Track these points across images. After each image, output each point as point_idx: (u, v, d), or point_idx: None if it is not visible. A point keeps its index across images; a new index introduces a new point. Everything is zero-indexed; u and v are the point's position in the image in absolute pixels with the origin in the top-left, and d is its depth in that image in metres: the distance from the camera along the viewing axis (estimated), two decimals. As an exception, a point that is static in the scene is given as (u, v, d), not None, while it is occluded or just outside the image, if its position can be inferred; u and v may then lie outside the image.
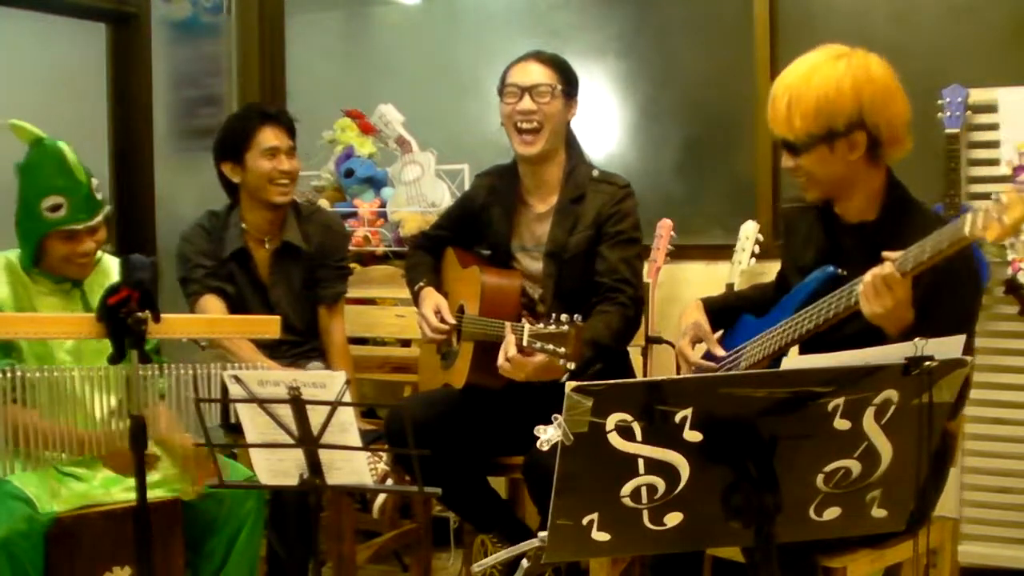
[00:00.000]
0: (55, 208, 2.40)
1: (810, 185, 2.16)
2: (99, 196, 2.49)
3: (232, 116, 3.33)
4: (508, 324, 2.52)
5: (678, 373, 3.29)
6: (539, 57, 2.81)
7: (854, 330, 2.04)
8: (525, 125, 2.75)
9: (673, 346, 3.36)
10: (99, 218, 2.48)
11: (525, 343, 2.37)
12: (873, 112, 2.05)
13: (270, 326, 2.44)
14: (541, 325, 2.35)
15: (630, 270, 2.74)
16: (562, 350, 2.30)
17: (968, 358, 1.59)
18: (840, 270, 2.13)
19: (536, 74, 2.77)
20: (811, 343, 2.17)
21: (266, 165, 3.12)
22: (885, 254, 1.92)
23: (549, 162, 2.81)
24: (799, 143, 2.09)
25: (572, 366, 2.31)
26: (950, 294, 2.00)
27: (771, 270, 2.51)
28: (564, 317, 2.30)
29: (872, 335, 1.98)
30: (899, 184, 2.16)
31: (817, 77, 2.06)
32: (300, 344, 3.26)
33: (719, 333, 2.43)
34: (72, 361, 2.47)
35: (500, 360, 2.49)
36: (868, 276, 1.91)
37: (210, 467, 2.27)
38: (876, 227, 2.12)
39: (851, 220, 2.18)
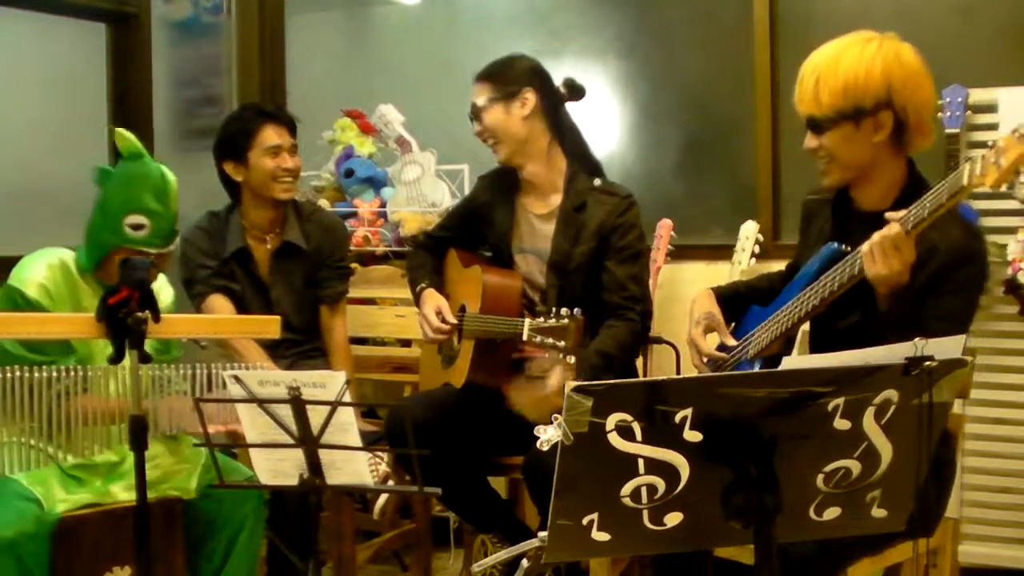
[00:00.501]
0: (137, 227, 2.41)
1: (831, 168, 2.14)
2: (176, 227, 2.51)
3: (232, 116, 3.33)
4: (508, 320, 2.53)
5: (679, 369, 3.30)
6: (477, 78, 2.87)
7: (868, 309, 2.05)
8: (486, 143, 2.85)
9: (673, 346, 3.39)
10: (172, 247, 2.51)
11: (525, 336, 2.39)
12: (902, 94, 2.05)
13: (270, 326, 2.44)
14: (542, 319, 2.37)
15: (637, 286, 2.76)
16: (562, 343, 2.32)
17: (968, 358, 1.59)
18: (844, 246, 2.12)
19: (473, 97, 2.85)
20: (817, 340, 2.18)
21: (269, 163, 3.13)
22: (888, 215, 1.92)
23: (531, 163, 2.83)
24: (825, 120, 2.08)
25: (572, 360, 2.33)
26: (955, 283, 2.01)
27: (771, 270, 2.51)
28: (564, 311, 2.32)
29: (871, 326, 1.99)
30: (921, 177, 2.14)
31: (847, 57, 2.07)
32: (300, 343, 3.26)
33: (731, 326, 2.42)
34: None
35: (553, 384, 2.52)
36: (876, 237, 1.91)
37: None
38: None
39: (866, 208, 2.17)
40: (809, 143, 2.14)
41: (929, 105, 2.09)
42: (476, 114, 2.84)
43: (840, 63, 2.07)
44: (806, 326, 2.21)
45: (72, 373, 2.25)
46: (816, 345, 2.25)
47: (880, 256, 1.90)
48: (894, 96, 2.04)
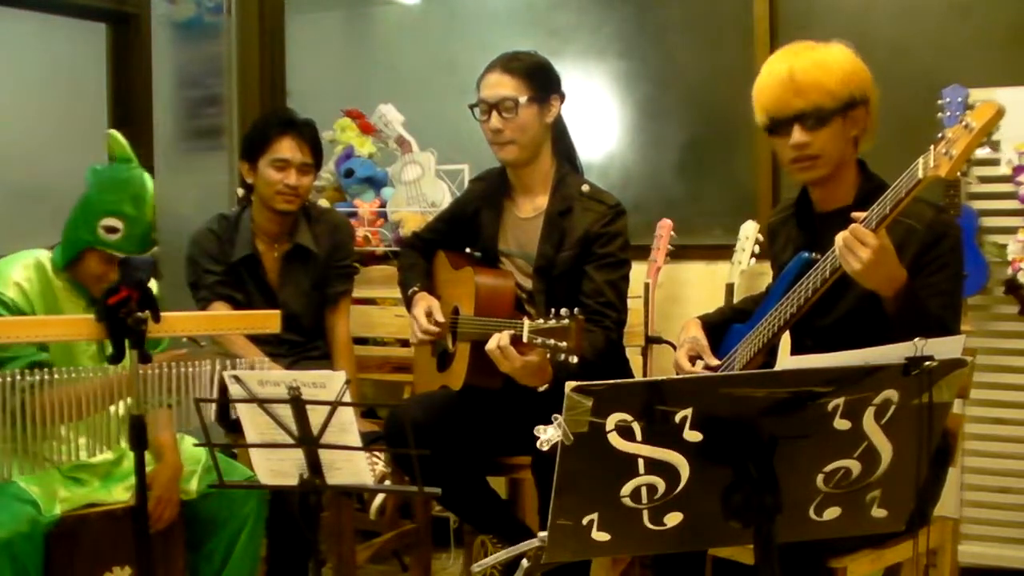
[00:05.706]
0: (111, 230, 2.41)
1: (817, 164, 2.14)
2: (153, 235, 2.49)
3: (261, 116, 3.33)
4: (505, 323, 2.51)
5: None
6: (505, 66, 2.74)
7: (845, 309, 2.09)
8: (498, 140, 2.74)
9: (673, 346, 3.38)
10: (146, 255, 2.46)
11: (525, 339, 2.35)
12: (871, 91, 2.14)
13: (270, 321, 2.44)
14: (541, 320, 2.33)
15: (615, 293, 2.72)
16: (564, 344, 2.27)
17: (968, 358, 1.59)
18: (814, 254, 2.15)
19: (501, 87, 2.72)
20: (798, 340, 2.18)
21: (274, 176, 3.12)
22: (855, 215, 1.95)
23: (532, 165, 2.80)
24: (829, 109, 2.09)
25: (575, 360, 2.29)
26: (939, 258, 2.07)
27: (771, 270, 2.52)
28: (564, 311, 2.29)
29: (862, 312, 2.00)
30: (873, 174, 2.20)
31: (831, 53, 2.12)
32: (303, 344, 3.26)
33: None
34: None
35: (490, 345, 2.45)
36: (838, 238, 1.95)
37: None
38: (853, 210, 2.09)
39: (829, 208, 2.21)
40: (798, 138, 2.11)
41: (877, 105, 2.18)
42: (507, 108, 2.70)
43: (829, 57, 2.11)
44: (787, 334, 2.23)
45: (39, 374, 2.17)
46: (797, 344, 2.27)
47: (848, 253, 1.93)
48: (868, 92, 2.13)
